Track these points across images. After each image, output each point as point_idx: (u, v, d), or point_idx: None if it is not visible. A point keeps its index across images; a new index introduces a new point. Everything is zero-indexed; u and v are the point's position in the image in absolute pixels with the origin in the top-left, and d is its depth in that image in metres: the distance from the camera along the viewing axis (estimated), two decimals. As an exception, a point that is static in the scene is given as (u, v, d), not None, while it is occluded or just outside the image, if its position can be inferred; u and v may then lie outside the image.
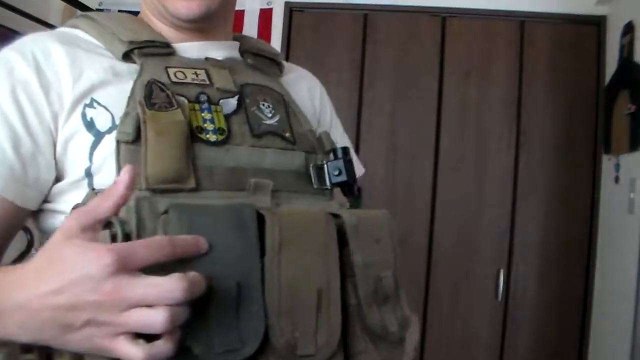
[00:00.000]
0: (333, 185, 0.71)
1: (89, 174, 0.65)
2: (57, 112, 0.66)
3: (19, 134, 0.64)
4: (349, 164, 0.71)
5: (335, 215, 0.63)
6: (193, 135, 0.64)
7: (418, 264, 2.52)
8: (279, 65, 0.82)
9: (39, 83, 0.65)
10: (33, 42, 0.69)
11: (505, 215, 2.52)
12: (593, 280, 2.44)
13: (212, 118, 0.67)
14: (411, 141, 2.57)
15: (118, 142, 0.62)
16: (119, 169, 0.61)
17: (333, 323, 0.58)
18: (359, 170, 0.86)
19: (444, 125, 2.56)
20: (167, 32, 0.75)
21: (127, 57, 0.70)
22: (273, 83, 0.77)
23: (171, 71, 0.68)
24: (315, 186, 0.71)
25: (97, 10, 2.67)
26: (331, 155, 0.72)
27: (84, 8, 2.54)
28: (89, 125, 0.66)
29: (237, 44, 0.80)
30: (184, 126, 0.63)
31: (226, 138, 0.66)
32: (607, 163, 2.40)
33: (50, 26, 2.58)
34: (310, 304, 0.58)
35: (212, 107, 0.68)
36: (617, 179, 2.28)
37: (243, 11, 2.64)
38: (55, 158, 0.67)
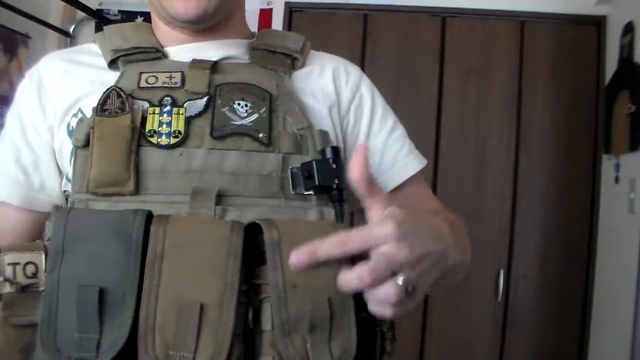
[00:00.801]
0: (307, 189, 0.64)
1: (68, 179, 0.69)
2: (52, 125, 0.73)
3: (20, 149, 0.73)
4: (322, 166, 0.64)
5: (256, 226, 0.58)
6: (143, 139, 0.65)
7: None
8: (293, 60, 0.77)
9: (39, 101, 0.74)
10: (43, 62, 0.79)
11: (505, 215, 2.52)
12: (593, 280, 2.43)
13: (170, 121, 0.66)
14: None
15: (75, 147, 0.66)
16: (74, 173, 0.65)
17: (220, 345, 0.53)
18: (412, 165, 0.80)
19: (444, 125, 2.56)
20: (170, 34, 0.76)
21: (114, 65, 0.74)
22: (271, 80, 0.72)
23: (143, 76, 0.71)
24: (292, 191, 0.65)
25: (97, 10, 2.67)
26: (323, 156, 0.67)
27: (84, 8, 2.54)
28: (70, 133, 0.70)
29: (246, 42, 0.78)
30: (126, 131, 0.64)
31: (181, 141, 0.65)
32: (607, 163, 2.40)
33: (50, 26, 2.58)
34: (190, 321, 0.53)
35: (175, 109, 0.67)
36: (617, 179, 2.28)
37: (243, 11, 2.64)
38: (57, 165, 0.73)
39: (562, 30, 2.54)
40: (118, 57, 0.74)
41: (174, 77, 0.71)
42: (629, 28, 2.23)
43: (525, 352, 2.50)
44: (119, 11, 2.71)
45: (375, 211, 0.50)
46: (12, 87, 2.49)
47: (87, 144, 0.65)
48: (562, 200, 2.51)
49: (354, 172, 0.50)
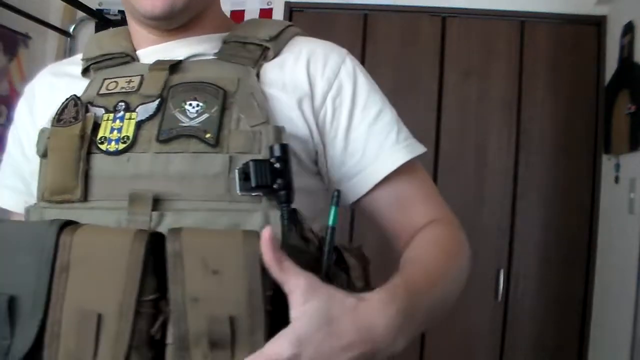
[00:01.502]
0: (246, 191, 0.62)
1: None
2: None
3: (20, 163, 0.77)
4: (260, 165, 0.60)
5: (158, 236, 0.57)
6: (94, 146, 0.65)
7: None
8: (265, 50, 0.73)
9: (30, 115, 0.78)
10: (37, 77, 0.82)
11: (505, 215, 2.52)
12: (593, 280, 2.43)
13: (121, 127, 0.66)
14: (411, 141, 2.56)
15: (39, 157, 0.68)
16: (38, 182, 0.67)
17: (115, 353, 0.53)
18: (397, 156, 0.73)
19: (444, 125, 2.56)
20: (143, 35, 0.75)
21: (87, 73, 0.76)
22: (232, 75, 0.69)
23: (105, 83, 0.71)
24: (239, 192, 0.62)
25: (97, 10, 2.67)
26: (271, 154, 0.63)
27: (84, 8, 2.54)
28: None
29: (218, 36, 0.75)
30: (75, 140, 0.64)
31: (129, 146, 0.65)
32: (607, 163, 2.40)
33: (50, 26, 2.58)
34: (88, 331, 0.53)
35: (127, 114, 0.67)
36: (617, 179, 2.28)
37: (243, 11, 2.64)
38: None
39: (562, 30, 2.54)
40: (89, 66, 0.76)
41: (133, 82, 0.70)
42: (629, 28, 2.23)
43: (525, 352, 2.50)
44: (118, 11, 2.71)
45: (293, 300, 0.53)
46: (12, 87, 2.49)
47: (46, 154, 0.67)
48: (562, 200, 2.51)
49: (265, 258, 0.53)
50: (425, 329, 0.69)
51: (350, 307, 0.54)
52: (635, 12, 2.21)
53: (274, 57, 0.73)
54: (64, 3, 2.49)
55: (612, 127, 2.34)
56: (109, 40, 0.78)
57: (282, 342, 0.51)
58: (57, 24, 2.66)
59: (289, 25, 0.78)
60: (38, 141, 0.69)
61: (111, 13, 2.71)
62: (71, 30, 2.70)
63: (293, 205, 0.63)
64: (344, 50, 0.77)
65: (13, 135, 0.81)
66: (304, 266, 0.58)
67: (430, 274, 0.65)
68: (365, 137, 0.73)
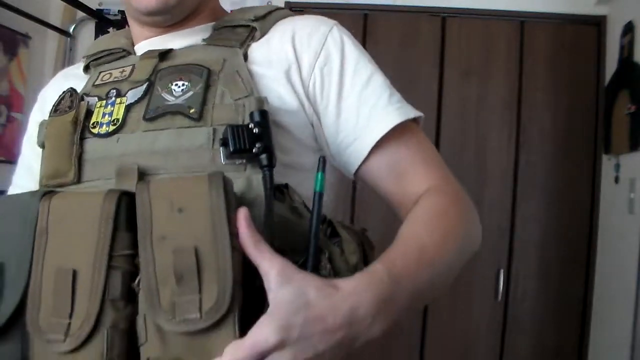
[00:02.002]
0: (228, 157, 0.62)
1: None
2: None
3: (33, 164, 0.77)
4: (238, 130, 0.61)
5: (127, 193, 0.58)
6: (87, 131, 0.69)
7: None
8: (252, 31, 0.74)
9: (41, 115, 0.79)
10: (51, 81, 0.85)
11: (505, 215, 2.52)
12: (593, 280, 2.44)
13: (112, 111, 0.69)
14: (411, 141, 2.56)
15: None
16: (40, 169, 0.70)
17: (90, 307, 0.54)
18: (389, 118, 0.70)
19: (444, 125, 2.56)
20: (140, 33, 0.78)
21: (88, 70, 0.80)
22: (217, 56, 0.71)
23: (100, 75, 0.75)
24: (223, 162, 0.63)
25: (97, 10, 2.67)
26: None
27: (84, 8, 2.54)
28: None
29: (208, 26, 0.77)
30: (68, 126, 0.68)
31: (118, 128, 0.68)
32: (607, 163, 2.40)
33: (50, 26, 2.59)
34: (65, 288, 0.55)
35: (118, 99, 0.70)
36: (617, 179, 2.28)
37: (243, 11, 2.64)
38: None
39: (562, 30, 2.54)
40: (89, 63, 0.79)
41: (125, 71, 0.73)
42: (629, 28, 2.23)
43: (525, 352, 2.50)
44: (118, 11, 2.71)
45: (268, 283, 0.53)
46: (12, 87, 2.49)
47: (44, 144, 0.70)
48: (562, 200, 2.51)
49: (241, 237, 0.54)
50: (422, 305, 0.68)
51: (327, 292, 0.54)
52: (635, 12, 2.21)
53: (261, 37, 0.74)
54: (64, 3, 2.50)
55: (612, 127, 2.34)
56: (109, 39, 0.82)
57: (266, 329, 0.51)
58: (57, 24, 2.66)
59: (279, 8, 0.78)
60: (38, 133, 0.71)
61: (111, 13, 2.71)
62: (71, 30, 2.70)
63: (289, 182, 0.65)
64: (331, 22, 0.77)
65: (27, 139, 0.83)
66: (295, 239, 0.60)
67: (423, 252, 0.63)
68: (357, 103, 0.71)
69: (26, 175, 0.80)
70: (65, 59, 2.68)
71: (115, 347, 0.54)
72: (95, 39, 2.73)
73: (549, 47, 2.54)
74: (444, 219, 0.67)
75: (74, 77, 0.80)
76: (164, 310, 0.52)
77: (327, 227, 0.66)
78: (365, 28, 2.61)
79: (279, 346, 0.51)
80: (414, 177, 0.72)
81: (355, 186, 2.49)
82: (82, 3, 2.50)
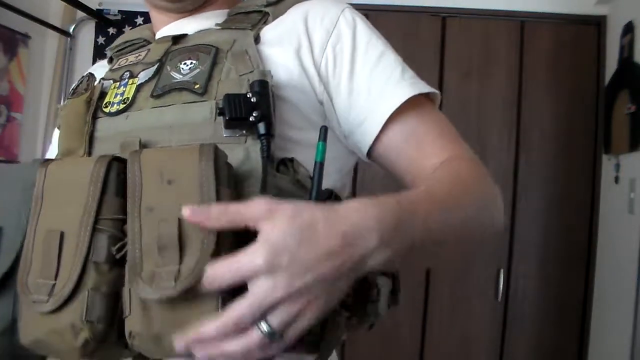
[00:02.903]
0: (227, 127, 0.62)
1: None
2: None
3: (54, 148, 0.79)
4: (235, 99, 0.60)
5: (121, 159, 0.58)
6: (99, 111, 0.71)
7: (418, 264, 2.52)
8: (264, 15, 0.75)
9: None
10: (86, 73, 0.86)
11: (505, 215, 2.52)
12: (593, 280, 2.44)
13: (124, 91, 0.72)
14: (411, 141, 2.56)
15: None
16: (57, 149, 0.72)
17: (72, 268, 0.54)
18: (400, 93, 0.69)
19: (444, 125, 2.56)
20: (159, 19, 0.82)
21: (112, 62, 0.83)
22: (228, 38, 0.71)
23: (119, 61, 0.79)
24: (224, 135, 0.62)
25: (97, 10, 2.67)
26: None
27: (84, 8, 2.54)
28: None
29: (225, 11, 0.79)
30: (81, 106, 0.71)
31: (127, 106, 0.70)
32: (607, 163, 2.40)
33: (50, 26, 2.58)
34: (51, 249, 0.55)
35: (130, 80, 0.73)
36: (617, 179, 2.28)
37: (243, 11, 2.64)
38: None
39: (562, 30, 2.54)
40: (113, 55, 0.83)
41: (140, 55, 0.76)
42: (629, 28, 2.23)
43: (525, 352, 2.50)
44: (118, 11, 2.71)
45: (261, 225, 0.48)
46: (12, 87, 2.49)
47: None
48: (562, 201, 2.51)
49: (213, 216, 0.50)
50: (433, 257, 0.62)
51: (323, 213, 0.49)
52: (635, 12, 2.21)
53: (273, 21, 0.75)
54: (64, 3, 2.50)
55: (612, 127, 2.34)
56: (133, 32, 0.86)
57: (255, 250, 0.47)
58: (57, 24, 2.66)
59: None
60: (57, 117, 0.75)
61: (111, 13, 2.71)
62: (71, 30, 2.69)
63: (295, 156, 0.64)
64: (344, 4, 0.77)
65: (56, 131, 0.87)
66: None
67: (435, 196, 0.59)
68: (368, 80, 0.71)
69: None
70: (65, 59, 2.68)
71: (96, 309, 0.53)
72: (95, 39, 2.78)
73: (549, 47, 2.54)
74: (462, 175, 0.65)
75: (101, 68, 0.84)
76: (143, 280, 0.51)
77: (334, 200, 0.63)
78: (365, 28, 2.61)
79: (269, 270, 0.46)
80: (432, 150, 0.70)
81: (356, 177, 2.49)
82: (82, 3, 2.50)
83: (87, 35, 2.73)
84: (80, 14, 2.65)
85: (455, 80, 2.57)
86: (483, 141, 2.54)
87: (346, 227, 0.49)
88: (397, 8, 2.59)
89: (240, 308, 0.47)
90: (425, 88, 0.72)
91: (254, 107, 0.60)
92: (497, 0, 2.53)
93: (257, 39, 0.71)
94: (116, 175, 0.57)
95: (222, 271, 0.47)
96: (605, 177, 2.42)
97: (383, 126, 0.69)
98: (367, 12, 2.63)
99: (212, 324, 0.48)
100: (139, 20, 2.69)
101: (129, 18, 2.70)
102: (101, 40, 2.71)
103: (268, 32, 0.73)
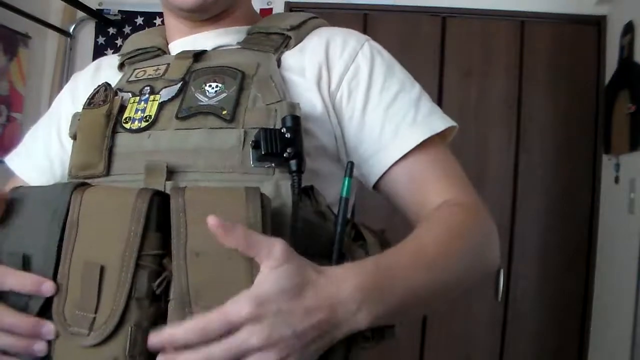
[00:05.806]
0: (259, 160, 0.63)
1: None
2: None
3: (52, 142, 0.81)
4: (270, 134, 0.61)
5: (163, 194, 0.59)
6: (119, 125, 0.70)
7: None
8: (286, 39, 0.76)
9: (72, 101, 0.82)
10: (86, 68, 0.87)
11: (505, 215, 2.52)
12: (593, 280, 2.44)
13: (144, 108, 0.71)
14: (411, 141, 2.56)
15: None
16: (70, 160, 0.71)
17: (116, 304, 0.55)
18: (412, 137, 0.71)
19: (444, 125, 2.56)
20: (176, 27, 0.80)
21: (122, 68, 0.82)
22: (252, 60, 0.72)
23: (135, 72, 0.77)
24: (252, 164, 0.64)
25: (97, 10, 2.67)
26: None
27: (84, 8, 2.54)
28: None
29: (244, 28, 0.79)
30: (101, 119, 0.69)
31: (150, 124, 0.69)
32: (607, 163, 2.40)
33: (50, 26, 2.58)
34: (92, 282, 0.55)
35: (152, 97, 0.71)
36: (617, 179, 2.28)
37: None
38: None
39: (562, 30, 2.54)
40: (124, 61, 0.81)
41: (160, 69, 0.75)
42: (629, 28, 2.23)
43: (525, 352, 2.50)
44: (119, 11, 2.71)
45: (267, 264, 0.52)
46: (12, 87, 2.49)
47: (76, 135, 0.71)
48: (562, 201, 2.51)
49: (226, 239, 0.52)
50: (419, 309, 0.65)
51: (310, 274, 0.54)
52: (635, 12, 2.21)
53: (295, 46, 0.76)
54: (64, 3, 2.50)
55: (612, 127, 2.34)
56: (144, 37, 0.84)
57: (241, 300, 0.50)
58: (57, 24, 2.66)
59: (313, 17, 0.80)
60: (71, 125, 0.73)
61: (111, 13, 2.71)
62: (71, 30, 2.70)
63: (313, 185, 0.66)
64: (365, 37, 0.78)
65: (50, 117, 0.84)
66: (321, 242, 0.61)
67: (421, 250, 0.62)
68: (382, 119, 0.72)
69: (43, 157, 0.81)
70: (65, 59, 2.68)
71: (138, 344, 0.54)
72: (95, 39, 2.78)
73: (549, 47, 2.54)
74: (453, 227, 0.67)
75: (109, 69, 0.83)
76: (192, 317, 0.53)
77: (351, 229, 0.67)
78: (365, 28, 2.61)
79: (253, 319, 0.50)
80: (434, 188, 0.73)
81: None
82: (82, 3, 2.50)
83: (87, 35, 2.73)
84: (80, 14, 2.65)
85: (455, 80, 2.57)
86: (483, 141, 2.54)
87: (327, 291, 0.54)
88: (397, 8, 2.59)
89: (220, 347, 0.50)
90: (438, 126, 0.74)
91: (288, 144, 0.62)
92: (497, 0, 2.53)
93: (278, 62, 0.73)
94: (157, 210, 0.57)
95: (212, 324, 0.50)
96: (605, 177, 2.42)
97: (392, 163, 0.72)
98: (367, 12, 2.64)
99: (182, 328, 0.51)
100: (139, 20, 2.69)
101: (129, 18, 2.70)
102: (101, 40, 2.71)
103: (290, 58, 0.74)
